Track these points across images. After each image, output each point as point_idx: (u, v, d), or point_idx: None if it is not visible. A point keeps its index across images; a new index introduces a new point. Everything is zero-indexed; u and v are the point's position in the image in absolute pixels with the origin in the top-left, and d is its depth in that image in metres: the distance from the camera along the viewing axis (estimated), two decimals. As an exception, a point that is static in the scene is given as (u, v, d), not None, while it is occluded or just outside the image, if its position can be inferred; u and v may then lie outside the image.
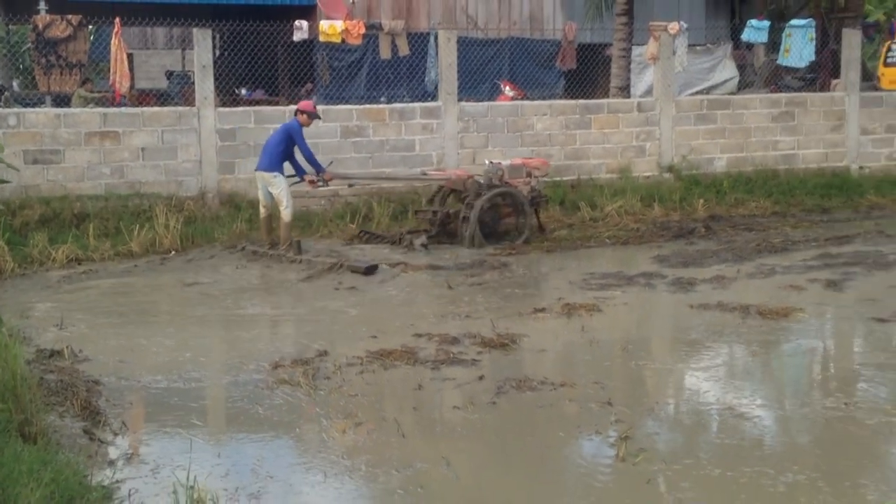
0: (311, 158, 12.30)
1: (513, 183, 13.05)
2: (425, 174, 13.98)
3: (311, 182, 12.61)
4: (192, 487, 4.84)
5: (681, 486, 5.39)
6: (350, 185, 13.96)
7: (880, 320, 8.83)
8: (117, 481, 5.42)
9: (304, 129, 12.31)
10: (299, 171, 12.52)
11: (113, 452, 5.93)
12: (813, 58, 20.34)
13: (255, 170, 12.52)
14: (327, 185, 12.90)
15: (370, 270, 11.14)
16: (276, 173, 12.19)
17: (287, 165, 12.38)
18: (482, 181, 12.90)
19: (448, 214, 12.95)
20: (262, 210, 12.59)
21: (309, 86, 20.74)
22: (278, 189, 12.18)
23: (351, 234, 13.36)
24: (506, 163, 13.50)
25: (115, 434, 6.24)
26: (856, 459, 5.74)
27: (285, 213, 12.23)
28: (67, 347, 7.95)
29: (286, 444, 6.23)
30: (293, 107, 13.24)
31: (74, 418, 6.38)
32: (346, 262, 11.45)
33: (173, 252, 12.36)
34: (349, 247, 12.66)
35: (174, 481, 4.99)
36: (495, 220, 12.94)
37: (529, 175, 13.37)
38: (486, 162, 13.83)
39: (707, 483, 5.43)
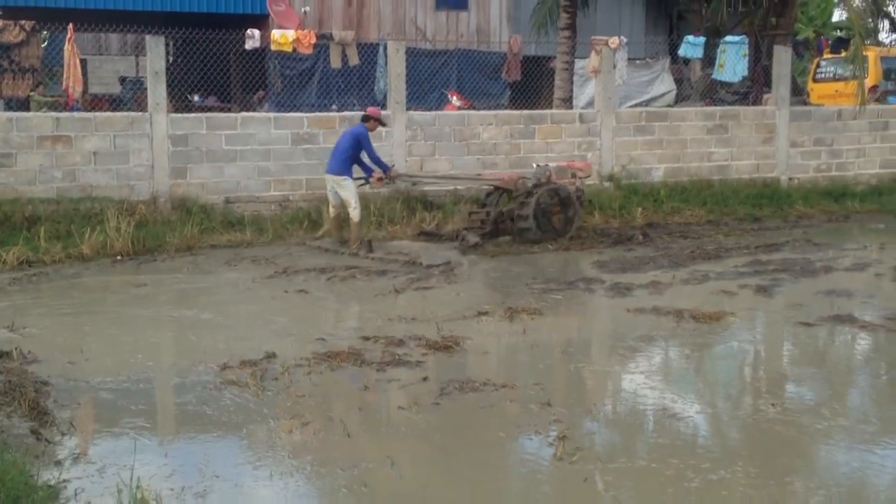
0: (378, 161, 12.84)
1: (559, 182, 13.57)
2: (480, 175, 14.68)
3: (379, 180, 13.06)
4: (138, 487, 4.76)
5: (616, 483, 5.40)
6: (413, 185, 14.33)
7: (806, 325, 8.94)
8: (64, 481, 5.31)
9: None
10: (367, 171, 13.00)
11: (60, 452, 5.79)
12: (746, 73, 20.63)
13: (325, 173, 12.87)
14: (393, 183, 13.54)
15: (445, 266, 11.60)
16: (345, 176, 12.55)
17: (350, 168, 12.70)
18: (531, 182, 13.43)
19: (502, 213, 13.43)
20: (331, 210, 13.03)
21: (261, 93, 20.63)
22: (347, 191, 12.55)
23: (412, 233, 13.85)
24: (552, 164, 14.17)
25: (63, 434, 6.11)
26: (783, 457, 5.79)
27: (354, 214, 12.57)
28: (16, 349, 7.79)
29: (233, 444, 6.14)
30: (245, 113, 13.19)
31: (22, 419, 6.25)
32: (420, 260, 11.94)
33: (120, 256, 12.17)
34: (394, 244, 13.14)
35: (118, 481, 4.91)
36: (548, 215, 13.30)
37: (574, 176, 13.89)
38: (535, 165, 14.44)
39: (641, 481, 5.45)
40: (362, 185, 12.95)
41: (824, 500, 5.19)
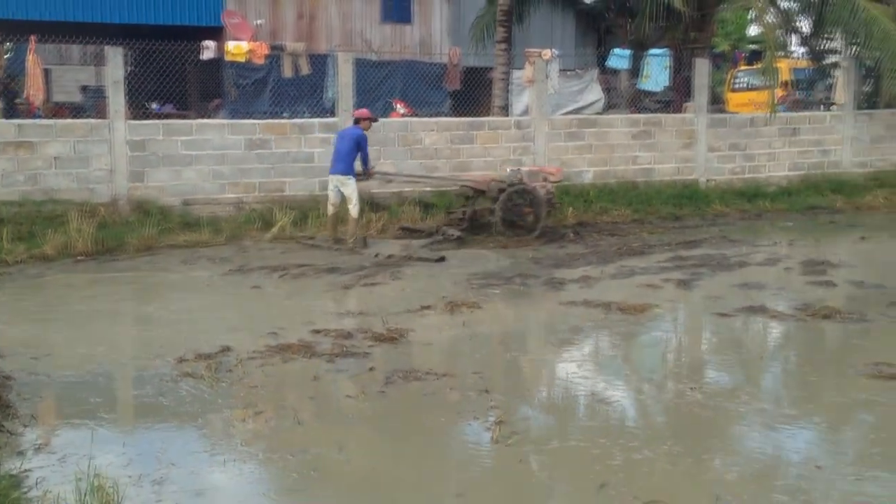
0: (368, 161, 13.09)
1: (529, 185, 13.73)
2: (455, 177, 14.85)
3: (357, 175, 13.04)
4: (96, 475, 4.67)
5: (549, 464, 5.43)
6: (388, 182, 14.46)
7: (723, 315, 9.05)
8: (25, 470, 5.20)
9: None
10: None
11: (22, 443, 5.67)
12: (668, 83, 20.94)
13: (330, 173, 12.97)
14: (368, 180, 13.48)
15: (439, 261, 11.86)
16: (349, 175, 12.79)
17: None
18: (504, 183, 13.61)
19: (476, 212, 13.66)
20: (329, 208, 13.13)
21: (217, 101, 20.39)
22: (351, 189, 12.78)
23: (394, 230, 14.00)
24: (525, 168, 14.38)
25: (25, 426, 5.97)
26: (702, 437, 5.87)
27: (354, 210, 12.81)
28: (-20, 345, 7.63)
29: (189, 433, 6.06)
30: (202, 120, 13.03)
31: (-15, 412, 6.12)
32: (417, 253, 12.18)
33: (82, 256, 11.95)
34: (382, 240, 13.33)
35: (77, 470, 4.82)
36: (518, 214, 13.52)
37: (545, 179, 14.03)
38: (508, 169, 14.55)
39: (572, 460, 5.48)
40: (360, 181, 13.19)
41: (739, 476, 5.25)
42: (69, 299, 10.03)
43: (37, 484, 5.03)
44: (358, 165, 12.95)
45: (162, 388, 6.81)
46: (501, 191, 13.44)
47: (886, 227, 15.36)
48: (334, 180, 12.89)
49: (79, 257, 11.95)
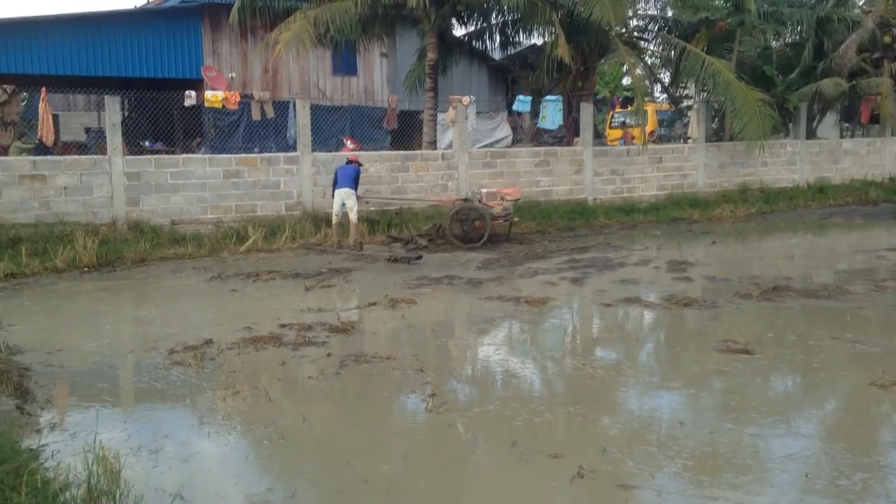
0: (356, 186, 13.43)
1: (489, 204, 13.81)
2: (424, 197, 15.06)
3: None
4: (101, 447, 4.56)
5: (472, 426, 5.45)
6: (367, 203, 14.49)
7: (607, 305, 9.19)
8: (43, 445, 5.06)
9: None
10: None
11: (39, 423, 5.51)
12: (561, 122, 21.19)
13: (339, 188, 13.21)
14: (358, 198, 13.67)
15: (417, 259, 11.96)
16: (353, 190, 13.20)
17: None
18: (466, 203, 13.75)
19: (442, 225, 13.71)
20: (334, 218, 13.33)
21: (198, 139, 20.02)
22: (353, 201, 13.16)
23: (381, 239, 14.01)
24: (485, 190, 14.39)
25: (42, 409, 5.81)
26: (591, 401, 5.94)
27: (354, 217, 13.17)
28: (3, 343, 7.38)
29: (180, 411, 5.93)
30: (187, 155, 12.85)
31: (9, 398, 5.94)
32: (398, 255, 12.19)
33: (87, 268, 11.65)
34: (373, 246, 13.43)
35: (85, 444, 4.70)
36: (469, 227, 13.50)
37: (503, 199, 14.01)
38: (472, 191, 14.72)
39: (490, 422, 5.51)
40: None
41: (621, 432, 5.34)
42: (77, 304, 9.76)
43: (52, 456, 4.89)
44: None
45: (156, 374, 6.68)
46: (455, 208, 13.58)
47: (732, 234, 15.72)
48: (342, 193, 13.18)
49: (84, 269, 11.63)
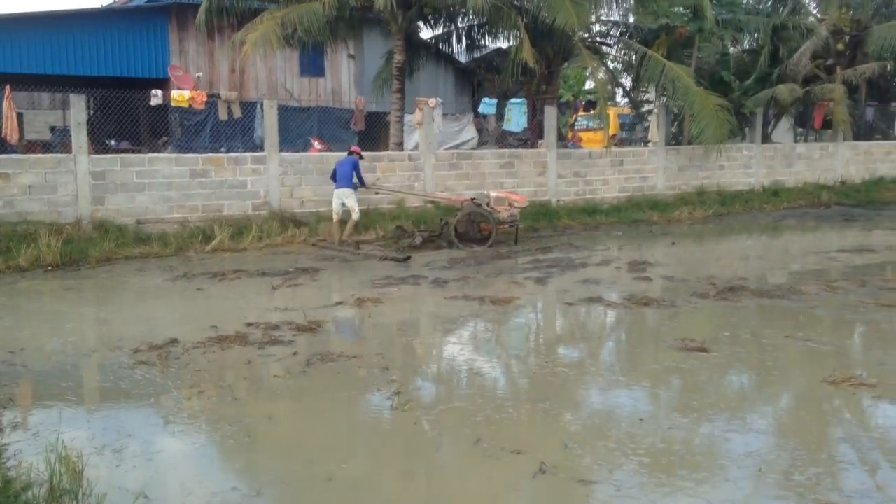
0: (363, 178, 13.70)
1: (497, 208, 13.72)
2: (432, 194, 15.10)
3: (355, 187, 13.50)
4: (64, 447, 4.47)
5: (437, 423, 5.45)
6: (376, 193, 14.76)
7: (570, 304, 9.24)
8: (5, 445, 4.96)
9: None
10: (349, 183, 13.50)
11: (2, 423, 5.38)
12: (526, 125, 21.27)
13: (337, 188, 13.36)
14: (367, 190, 14.10)
15: (406, 259, 12.02)
16: (351, 189, 13.30)
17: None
18: (475, 205, 13.69)
19: (447, 223, 13.67)
20: (334, 216, 13.48)
21: (165, 139, 19.72)
22: (353, 200, 13.32)
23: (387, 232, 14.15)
24: (493, 194, 14.17)
25: (4, 408, 5.68)
26: (553, 398, 5.96)
27: (355, 216, 13.34)
28: (-37, 342, 7.21)
29: (144, 410, 5.84)
30: (153, 154, 12.67)
31: (-31, 398, 5.78)
32: (389, 254, 12.23)
33: (51, 267, 11.43)
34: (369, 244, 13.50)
35: (48, 443, 4.60)
36: (474, 229, 13.55)
37: (510, 205, 13.87)
38: (482, 193, 14.60)
39: (454, 419, 5.51)
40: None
41: (582, 428, 5.37)
42: (40, 303, 9.57)
43: (14, 455, 4.79)
44: (355, 180, 13.49)
45: (120, 374, 6.57)
46: (463, 210, 13.56)
47: (690, 235, 15.91)
48: (340, 194, 13.30)
49: (48, 268, 11.41)
